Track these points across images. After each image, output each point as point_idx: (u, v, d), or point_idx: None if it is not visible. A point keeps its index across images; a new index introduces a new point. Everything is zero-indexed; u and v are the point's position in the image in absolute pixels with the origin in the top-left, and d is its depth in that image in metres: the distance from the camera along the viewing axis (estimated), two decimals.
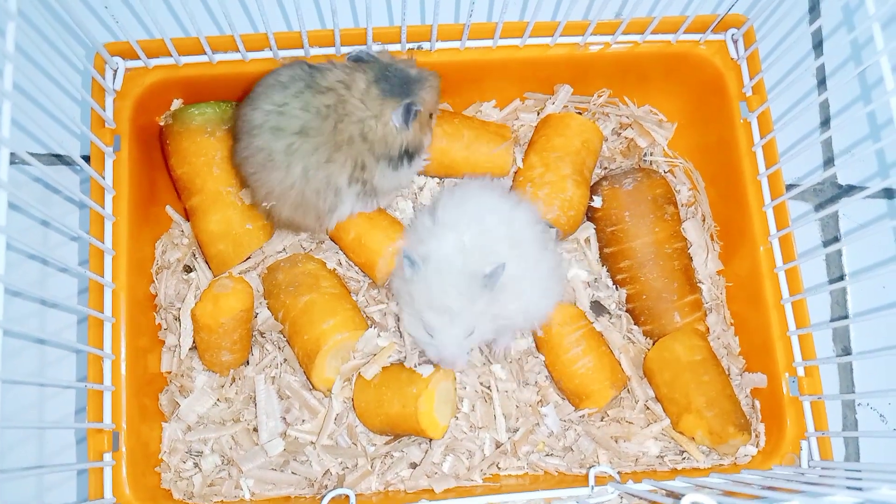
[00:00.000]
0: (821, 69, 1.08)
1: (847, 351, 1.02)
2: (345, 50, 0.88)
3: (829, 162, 1.07)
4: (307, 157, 0.80)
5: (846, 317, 1.03)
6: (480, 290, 0.80)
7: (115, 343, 0.82)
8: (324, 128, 0.80)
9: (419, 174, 0.96)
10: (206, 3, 1.05)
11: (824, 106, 1.08)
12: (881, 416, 1.01)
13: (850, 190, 1.06)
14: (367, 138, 0.81)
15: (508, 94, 0.99)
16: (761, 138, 0.89)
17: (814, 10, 1.10)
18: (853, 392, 1.00)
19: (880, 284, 1.04)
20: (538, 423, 0.89)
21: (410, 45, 0.89)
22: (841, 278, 1.03)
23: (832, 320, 1.01)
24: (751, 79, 0.90)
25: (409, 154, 0.84)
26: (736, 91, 0.91)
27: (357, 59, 0.83)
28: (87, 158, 0.90)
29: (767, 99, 0.88)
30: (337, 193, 0.83)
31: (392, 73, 0.82)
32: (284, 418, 0.88)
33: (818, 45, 1.09)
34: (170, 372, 0.90)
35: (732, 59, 0.91)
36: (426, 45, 0.89)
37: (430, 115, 0.87)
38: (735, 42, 0.91)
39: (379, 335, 0.87)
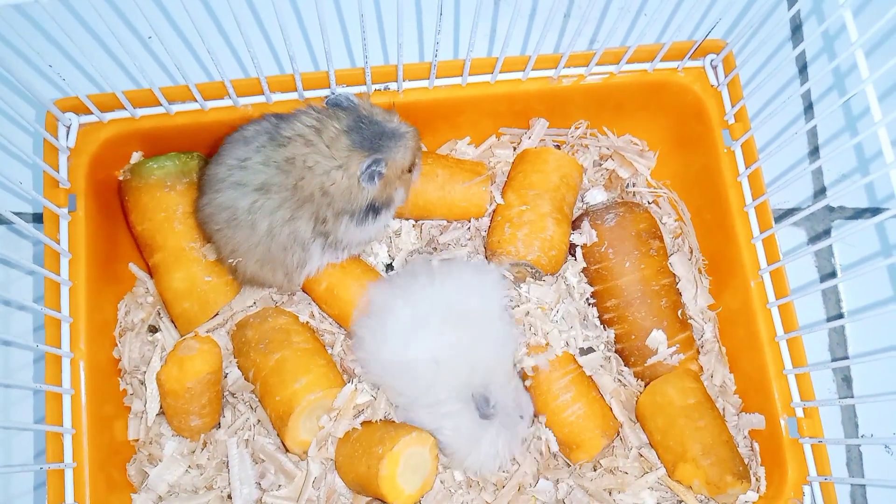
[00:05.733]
0: (807, 94, 1.05)
1: (847, 380, 0.98)
2: (308, 94, 0.84)
3: (820, 189, 1.03)
4: (271, 214, 0.77)
5: (844, 341, 0.99)
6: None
7: (76, 416, 0.77)
8: (286, 183, 0.76)
9: (394, 217, 0.92)
10: (154, 55, 1.02)
11: (812, 131, 1.04)
12: (886, 447, 0.97)
13: (842, 211, 1.03)
14: (327, 192, 0.77)
15: (483, 129, 0.96)
16: (746, 168, 0.85)
17: (796, 32, 1.07)
18: (855, 423, 0.96)
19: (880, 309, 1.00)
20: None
21: (377, 87, 0.86)
22: (838, 305, 1.00)
23: (833, 360, 0.97)
24: (732, 106, 0.87)
25: (375, 209, 0.80)
26: (718, 119, 0.87)
27: (335, 104, 0.79)
28: (39, 217, 0.86)
29: (751, 127, 0.85)
30: (304, 248, 0.80)
31: (366, 125, 0.77)
32: (259, 484, 0.83)
33: (803, 69, 1.06)
34: (137, 440, 0.86)
35: (712, 85, 0.88)
36: (393, 86, 0.86)
37: (410, 170, 0.82)
38: (714, 68, 0.88)
39: (355, 388, 0.83)
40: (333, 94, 0.81)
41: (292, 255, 0.79)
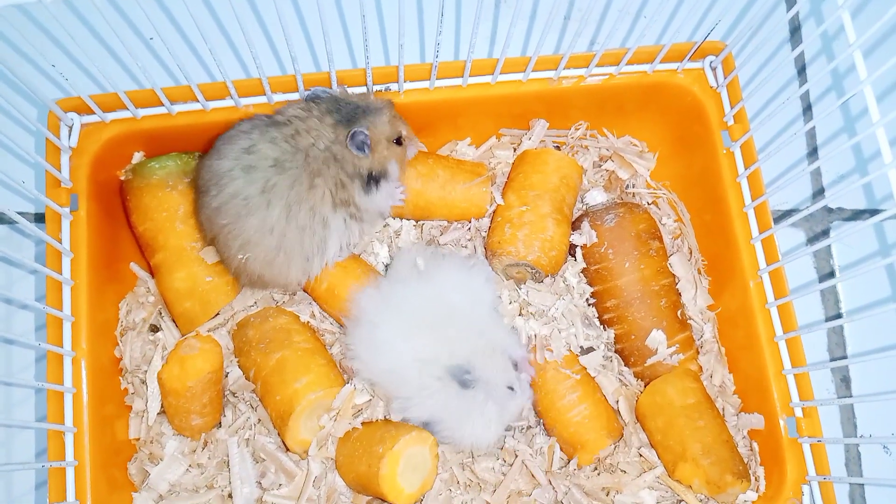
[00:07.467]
0: (806, 95, 1.05)
1: (846, 380, 0.98)
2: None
3: (819, 190, 1.03)
4: (287, 191, 0.78)
5: (843, 341, 0.99)
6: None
7: (78, 415, 0.78)
8: (297, 158, 0.78)
9: (394, 217, 0.93)
10: (157, 56, 1.03)
11: (811, 132, 1.05)
12: (884, 447, 0.97)
13: (841, 212, 1.03)
14: (337, 158, 0.80)
15: (484, 130, 0.96)
16: (745, 169, 0.85)
17: (795, 33, 1.08)
18: (854, 423, 0.97)
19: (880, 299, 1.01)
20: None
21: (378, 87, 0.86)
22: (837, 305, 1.00)
23: (832, 360, 0.97)
24: (732, 107, 0.87)
25: (375, 179, 0.82)
26: (717, 120, 0.88)
27: (313, 98, 0.82)
28: (41, 217, 0.86)
29: (750, 128, 0.85)
30: (325, 224, 0.81)
31: (342, 105, 0.82)
32: (260, 483, 0.83)
33: (802, 70, 1.07)
34: (138, 439, 0.86)
35: (712, 87, 0.88)
36: (394, 87, 0.86)
37: (399, 142, 0.84)
38: (714, 70, 0.88)
39: (354, 388, 0.84)
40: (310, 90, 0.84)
41: (312, 237, 0.80)
